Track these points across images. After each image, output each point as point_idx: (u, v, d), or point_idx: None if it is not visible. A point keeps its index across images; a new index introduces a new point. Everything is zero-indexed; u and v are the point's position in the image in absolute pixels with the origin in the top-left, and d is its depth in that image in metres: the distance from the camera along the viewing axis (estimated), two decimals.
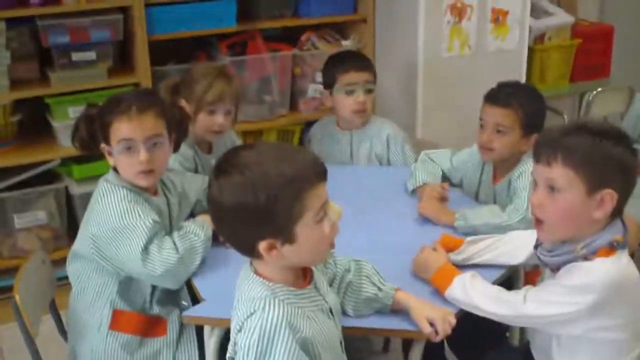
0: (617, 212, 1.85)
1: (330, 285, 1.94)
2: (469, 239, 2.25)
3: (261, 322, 1.58)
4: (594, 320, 1.83)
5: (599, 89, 4.21)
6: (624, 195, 1.83)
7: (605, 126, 1.90)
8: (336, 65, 3.08)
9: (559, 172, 1.81)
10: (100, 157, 2.35)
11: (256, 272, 1.69)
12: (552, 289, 1.87)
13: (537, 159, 1.87)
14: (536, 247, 2.00)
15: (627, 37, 4.84)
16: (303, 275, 1.74)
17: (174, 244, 2.20)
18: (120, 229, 2.16)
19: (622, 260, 1.85)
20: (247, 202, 1.56)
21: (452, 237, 2.31)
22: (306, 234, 1.61)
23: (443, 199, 2.63)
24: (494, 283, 2.15)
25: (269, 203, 1.55)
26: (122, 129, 2.20)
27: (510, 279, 2.31)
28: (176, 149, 2.41)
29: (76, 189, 3.29)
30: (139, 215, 2.18)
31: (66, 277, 2.39)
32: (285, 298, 1.64)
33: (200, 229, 2.27)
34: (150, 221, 2.19)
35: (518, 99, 2.54)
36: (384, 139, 3.07)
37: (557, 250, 1.90)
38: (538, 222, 1.89)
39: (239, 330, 1.63)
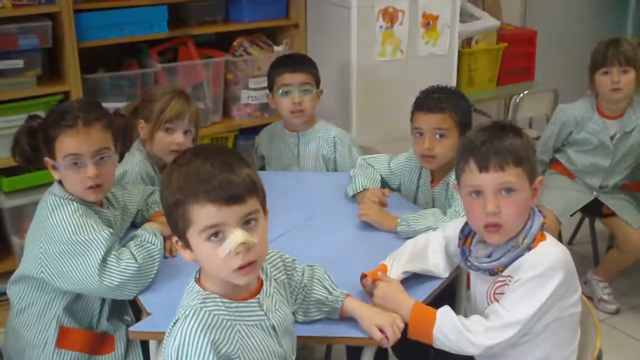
0: None
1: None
2: (387, 259, 2.21)
3: (181, 330, 1.58)
4: (565, 300, 1.91)
5: (525, 92, 4.31)
6: None
7: (511, 123, 2.04)
8: (275, 67, 3.10)
9: (513, 173, 1.90)
10: (32, 169, 2.27)
11: (197, 280, 1.69)
12: (520, 291, 1.89)
13: (484, 168, 1.90)
14: (465, 260, 2.03)
15: (549, 41, 4.98)
16: (248, 288, 1.70)
17: (132, 253, 2.15)
18: (75, 244, 2.10)
19: (555, 240, 1.98)
20: (163, 197, 1.64)
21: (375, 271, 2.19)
22: (196, 247, 1.60)
23: (382, 204, 2.64)
24: (439, 289, 2.17)
25: (165, 202, 1.63)
26: (69, 143, 2.13)
27: (452, 282, 2.33)
28: (120, 159, 2.36)
29: (6, 202, 3.19)
30: (94, 228, 2.13)
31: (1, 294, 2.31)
32: (214, 309, 1.62)
33: (153, 237, 2.23)
34: (107, 233, 2.14)
35: (449, 101, 2.59)
36: (331, 140, 3.09)
37: (499, 252, 1.95)
38: (495, 228, 1.92)
39: (167, 337, 1.63)
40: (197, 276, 1.70)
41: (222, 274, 1.62)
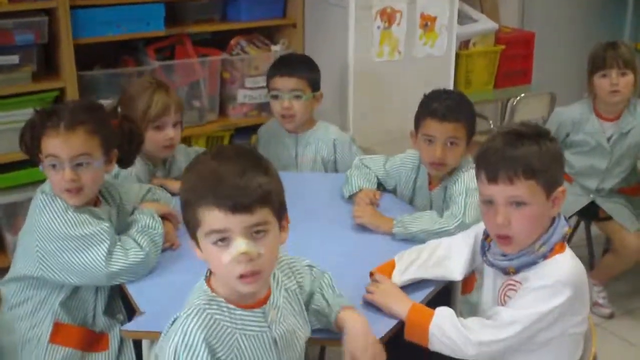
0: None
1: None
2: (397, 257, 2.20)
3: (182, 329, 1.57)
4: (571, 317, 1.88)
5: (522, 95, 4.30)
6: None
7: (534, 127, 1.96)
8: (270, 69, 3.10)
9: (523, 186, 1.85)
10: (26, 165, 2.25)
11: (206, 279, 1.68)
12: (525, 298, 1.87)
13: (493, 180, 1.86)
14: (483, 254, 2.02)
15: (547, 44, 4.97)
16: (257, 295, 1.67)
17: (135, 241, 2.17)
18: (76, 239, 2.10)
19: (572, 254, 1.94)
20: (180, 194, 1.65)
21: (384, 268, 2.18)
22: (204, 247, 1.60)
23: (372, 204, 2.63)
24: (433, 293, 2.17)
25: (181, 200, 1.63)
26: (49, 144, 2.11)
27: (447, 287, 2.31)
28: (129, 163, 2.36)
29: None
30: (90, 222, 2.13)
31: None
32: (217, 313, 1.61)
33: (152, 220, 2.25)
34: (106, 225, 2.14)
35: (462, 110, 2.56)
36: (331, 143, 3.07)
37: (514, 253, 1.93)
38: (505, 239, 1.90)
39: (167, 331, 1.62)
40: (208, 275, 1.68)
41: (225, 279, 1.61)
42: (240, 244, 1.54)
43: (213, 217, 1.54)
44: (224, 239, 1.56)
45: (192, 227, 1.60)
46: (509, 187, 1.85)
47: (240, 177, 1.54)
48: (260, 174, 1.57)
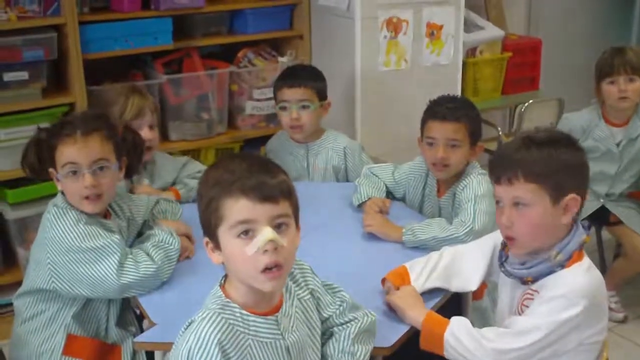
0: (578, 213, 1.93)
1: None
2: (408, 264, 2.20)
3: (196, 332, 1.57)
4: (587, 328, 1.87)
5: (530, 101, 4.30)
6: (584, 196, 1.92)
7: (552, 134, 1.97)
8: (277, 81, 3.11)
9: (523, 189, 1.87)
10: (39, 180, 2.27)
11: (221, 286, 1.68)
12: (541, 307, 1.87)
13: (497, 180, 1.92)
14: (501, 264, 2.02)
15: (554, 50, 4.97)
16: (270, 303, 1.68)
17: (149, 255, 2.18)
18: (88, 252, 2.12)
19: (591, 264, 1.94)
20: (199, 194, 1.66)
21: (396, 274, 2.17)
22: (226, 244, 1.60)
23: (382, 212, 2.64)
24: (443, 300, 2.17)
25: (201, 200, 1.64)
26: (67, 152, 2.14)
27: (457, 293, 2.31)
28: (132, 173, 2.37)
29: (11, 214, 3.19)
30: (101, 234, 2.15)
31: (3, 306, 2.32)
32: (230, 318, 1.61)
33: (170, 237, 2.26)
34: (116, 237, 2.16)
35: (463, 111, 2.59)
36: (341, 151, 3.08)
37: (532, 262, 1.93)
38: (510, 240, 1.94)
39: (181, 335, 1.63)
40: (222, 282, 1.69)
41: (248, 275, 1.60)
42: (267, 232, 1.55)
43: (240, 208, 1.56)
44: (247, 232, 1.56)
45: (213, 225, 1.60)
46: (509, 188, 1.89)
47: (264, 171, 1.59)
48: (281, 172, 1.63)
